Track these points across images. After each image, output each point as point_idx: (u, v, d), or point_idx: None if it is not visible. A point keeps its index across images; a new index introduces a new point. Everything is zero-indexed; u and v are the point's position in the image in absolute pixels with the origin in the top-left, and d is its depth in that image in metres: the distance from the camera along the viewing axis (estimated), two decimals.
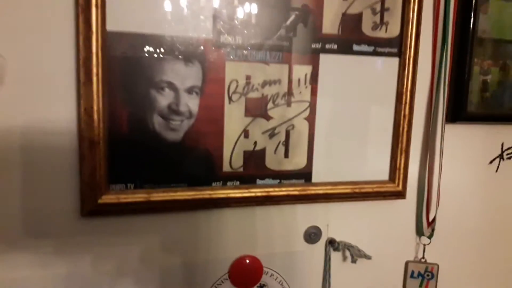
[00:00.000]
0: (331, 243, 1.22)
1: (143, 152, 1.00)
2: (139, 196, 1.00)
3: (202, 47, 1.00)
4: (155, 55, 0.97)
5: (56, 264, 1.00)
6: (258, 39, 1.04)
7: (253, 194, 1.10)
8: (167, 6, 0.97)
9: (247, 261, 1.15)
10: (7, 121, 0.91)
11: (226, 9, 1.01)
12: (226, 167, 1.08)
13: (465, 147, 1.33)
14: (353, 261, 1.23)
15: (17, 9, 0.89)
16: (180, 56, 0.99)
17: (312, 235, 1.20)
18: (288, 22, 1.06)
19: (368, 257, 1.24)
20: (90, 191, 0.96)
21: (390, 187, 1.22)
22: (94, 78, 0.92)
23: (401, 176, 1.22)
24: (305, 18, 1.08)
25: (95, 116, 0.93)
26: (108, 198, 0.98)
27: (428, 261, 1.32)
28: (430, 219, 1.30)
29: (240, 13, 1.02)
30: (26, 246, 0.97)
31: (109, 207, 0.98)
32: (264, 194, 1.11)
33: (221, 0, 1.00)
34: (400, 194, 1.24)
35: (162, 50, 0.97)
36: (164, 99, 0.99)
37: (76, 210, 0.98)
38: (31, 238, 0.97)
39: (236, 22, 1.02)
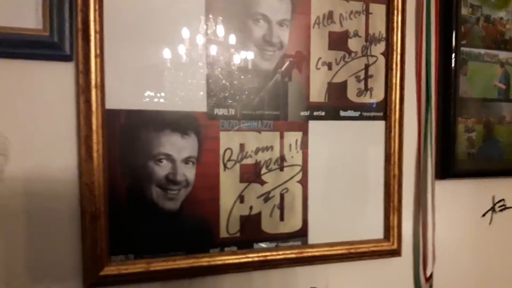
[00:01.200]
0: None
1: (142, 222, 1.04)
2: (139, 267, 1.03)
3: (197, 120, 1.06)
4: (153, 129, 1.02)
5: None
6: (249, 109, 1.10)
7: (250, 259, 1.12)
8: (163, 83, 1.03)
9: None
10: (11, 198, 0.95)
11: (219, 80, 1.07)
12: (223, 233, 1.11)
13: (456, 202, 1.36)
14: None
15: (21, 91, 0.95)
16: (176, 129, 1.04)
17: None
18: (283, 68, 1.12)
19: None
20: (92, 263, 0.99)
21: (385, 246, 1.24)
22: (95, 155, 0.97)
23: (395, 234, 1.25)
24: (299, 63, 1.14)
25: (96, 191, 0.97)
26: (109, 270, 1.00)
27: None
28: (428, 275, 1.31)
29: (231, 85, 1.08)
30: None
31: (111, 278, 1.00)
32: (261, 258, 1.13)
33: (213, 71, 1.06)
34: (396, 252, 1.26)
35: (159, 124, 1.03)
36: (162, 170, 1.04)
37: (79, 281, 1.00)
38: None
39: (232, 88, 1.08)
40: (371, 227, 1.25)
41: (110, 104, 0.99)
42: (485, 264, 1.42)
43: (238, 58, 1.08)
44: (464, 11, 1.29)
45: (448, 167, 1.30)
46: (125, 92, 1.01)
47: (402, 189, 1.24)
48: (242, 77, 1.09)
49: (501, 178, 1.41)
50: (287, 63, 1.13)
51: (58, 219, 0.98)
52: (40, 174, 0.96)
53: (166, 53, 1.03)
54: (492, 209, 1.42)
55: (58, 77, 0.97)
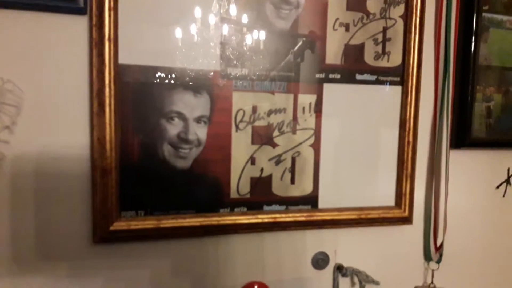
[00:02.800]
0: (339, 269, 1.23)
1: (153, 179, 1.04)
2: (149, 223, 1.03)
3: (210, 78, 1.05)
4: (166, 86, 1.01)
5: (70, 284, 1.02)
6: (264, 69, 1.08)
7: (260, 220, 1.12)
8: (177, 39, 1.01)
9: (256, 287, 1.16)
10: (23, 148, 0.95)
11: (233, 41, 1.05)
12: (233, 194, 1.11)
13: (470, 172, 1.35)
14: (362, 286, 1.23)
15: (35, 43, 0.94)
16: (189, 87, 1.03)
17: (319, 261, 1.22)
18: (296, 48, 1.10)
19: (376, 283, 1.24)
20: (102, 218, 0.99)
21: (397, 213, 1.24)
22: (107, 109, 0.96)
23: (407, 201, 1.24)
24: (312, 44, 1.12)
25: (108, 146, 0.97)
26: (119, 225, 1.01)
27: (437, 286, 1.31)
28: (438, 244, 1.30)
29: (246, 44, 1.07)
30: (39, 269, 1.00)
31: (120, 234, 1.01)
32: (271, 220, 1.13)
33: (228, 32, 1.05)
34: (407, 220, 1.25)
35: (172, 81, 1.02)
36: (173, 129, 1.03)
37: (88, 236, 1.01)
38: (44, 262, 1.00)
39: (245, 48, 1.06)
40: (382, 194, 1.24)
41: (123, 59, 0.98)
42: (496, 236, 1.41)
43: (250, 38, 1.07)
44: None
45: (464, 136, 1.28)
46: (139, 47, 1.00)
47: (416, 156, 1.23)
48: (254, 57, 1.07)
49: None
50: (300, 43, 1.11)
51: (68, 174, 0.99)
52: (52, 128, 0.96)
53: (179, 33, 1.02)
54: (507, 181, 1.39)
55: (71, 30, 0.96)
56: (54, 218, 0.99)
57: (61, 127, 0.97)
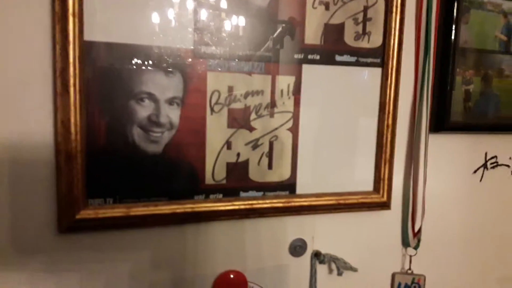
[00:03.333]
0: (317, 255, 1.20)
1: (122, 165, 0.98)
2: (118, 211, 0.97)
3: (183, 57, 0.99)
4: (134, 66, 0.95)
5: (35, 279, 0.96)
6: (240, 49, 1.03)
7: (236, 207, 1.07)
8: (145, 15, 0.95)
9: (231, 276, 1.12)
10: None
11: (207, 18, 0.99)
12: (208, 180, 1.06)
13: (449, 156, 1.33)
14: (339, 273, 1.21)
15: None
16: (160, 66, 0.97)
17: (297, 247, 1.18)
18: (275, 34, 1.05)
19: (354, 270, 1.22)
20: (68, 206, 0.93)
21: (375, 198, 1.21)
22: (71, 89, 0.89)
23: (386, 186, 1.21)
24: (292, 30, 1.07)
25: (72, 129, 0.90)
26: (86, 214, 0.95)
27: (414, 272, 1.30)
28: (416, 229, 1.29)
29: (227, 25, 1.01)
30: (1, 265, 0.93)
31: (87, 223, 0.95)
32: (247, 206, 1.08)
33: (202, 9, 0.99)
34: (385, 205, 1.22)
35: (140, 60, 0.95)
36: (144, 111, 0.97)
37: (53, 226, 0.95)
38: (7, 256, 0.93)
39: (216, 31, 1.00)
40: (361, 179, 1.21)
41: (88, 36, 0.91)
42: (473, 221, 1.40)
43: (228, 16, 1.01)
44: None
45: (443, 120, 1.26)
46: (106, 23, 0.92)
47: (395, 140, 1.20)
48: (232, 36, 1.02)
49: (495, 134, 1.37)
50: (279, 30, 1.05)
51: (30, 160, 0.92)
52: (10, 110, 0.89)
53: (151, 7, 0.95)
54: (484, 165, 1.39)
55: (32, 3, 0.88)
56: (16, 208, 0.92)
57: (21, 110, 0.89)
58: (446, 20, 1.22)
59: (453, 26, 1.22)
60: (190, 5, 0.98)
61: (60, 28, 0.88)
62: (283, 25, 1.06)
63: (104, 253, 1.00)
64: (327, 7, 1.09)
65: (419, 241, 1.29)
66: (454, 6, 1.21)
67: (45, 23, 0.89)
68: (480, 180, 1.39)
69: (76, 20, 0.88)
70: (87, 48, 0.91)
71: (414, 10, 1.21)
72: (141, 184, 1.00)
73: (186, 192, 1.04)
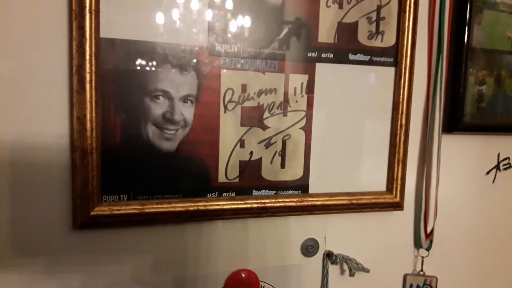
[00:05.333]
0: (329, 256, 1.19)
1: (136, 162, 0.98)
2: (132, 208, 0.97)
3: (197, 55, 0.99)
4: (150, 63, 0.95)
5: (48, 278, 0.96)
6: (254, 47, 1.03)
7: (249, 206, 1.07)
8: (163, 14, 0.95)
9: (243, 275, 1.12)
10: None
11: (222, 16, 1.00)
12: (221, 178, 1.06)
13: (461, 157, 1.32)
14: (351, 274, 1.20)
15: (8, 14, 0.87)
16: (175, 64, 0.97)
17: (309, 247, 1.18)
18: (282, 35, 1.06)
19: (366, 270, 1.22)
20: (83, 202, 0.93)
21: (388, 198, 1.20)
22: (87, 86, 0.90)
23: (399, 187, 1.21)
24: (298, 31, 1.07)
25: (88, 125, 0.91)
26: (100, 210, 0.95)
27: (426, 273, 1.30)
28: (428, 230, 1.28)
29: (233, 26, 1.01)
30: (17, 260, 0.93)
31: (102, 219, 0.95)
32: (260, 205, 1.08)
33: (218, 7, 0.99)
34: (398, 206, 1.22)
35: (156, 58, 0.96)
36: (158, 108, 0.97)
37: (68, 222, 0.95)
38: (22, 251, 0.93)
39: (231, 28, 1.01)
40: (374, 179, 1.21)
41: (105, 33, 0.92)
42: (486, 222, 1.39)
43: (242, 13, 1.01)
44: None
45: (456, 121, 1.25)
46: (122, 20, 0.93)
47: (408, 140, 1.19)
48: (246, 34, 1.02)
49: (508, 135, 1.37)
50: (292, 21, 1.06)
51: (46, 157, 0.92)
52: (29, 106, 0.90)
53: (167, 6, 0.95)
54: (497, 167, 1.38)
55: (49, 0, 0.89)
56: (31, 204, 0.92)
57: (38, 106, 0.90)
58: (459, 21, 1.22)
59: (466, 27, 1.21)
60: (205, 3, 0.98)
61: (77, 25, 0.88)
62: (290, 26, 1.06)
63: (118, 249, 1.00)
64: (340, 6, 1.09)
65: (431, 242, 1.28)
66: (467, 6, 1.21)
67: (62, 20, 0.90)
68: (493, 182, 1.38)
69: (93, 17, 0.89)
70: (103, 45, 0.92)
71: (427, 10, 1.20)
72: (155, 182, 1.00)
73: (199, 190, 1.05)
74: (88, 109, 0.91)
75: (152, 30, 0.95)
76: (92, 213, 0.94)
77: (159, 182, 1.00)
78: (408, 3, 1.14)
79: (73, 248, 0.97)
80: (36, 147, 0.91)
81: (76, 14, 0.88)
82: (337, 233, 1.20)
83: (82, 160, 0.92)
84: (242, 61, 1.03)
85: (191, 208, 1.02)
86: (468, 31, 1.22)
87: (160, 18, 0.96)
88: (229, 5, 1.00)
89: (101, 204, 0.96)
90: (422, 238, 1.29)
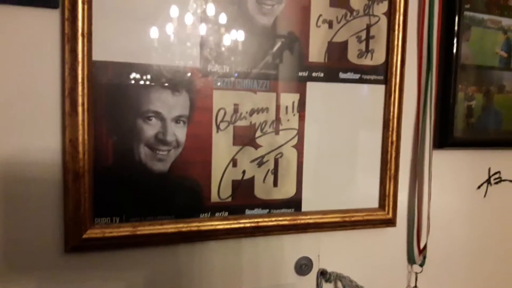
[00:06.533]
0: (323, 274, 1.19)
1: (129, 184, 0.98)
2: (124, 230, 0.97)
3: (189, 76, 0.99)
4: (142, 85, 0.96)
5: None
6: (245, 67, 1.04)
7: (242, 225, 1.07)
8: (154, 35, 0.96)
9: None
10: None
11: (213, 37, 1.01)
12: (214, 198, 1.06)
13: (452, 172, 1.33)
14: None
15: (3, 39, 0.87)
16: (167, 85, 0.98)
17: (303, 266, 1.18)
18: (275, 49, 1.07)
19: None
20: (75, 225, 0.93)
21: (380, 215, 1.21)
22: (80, 109, 0.90)
23: (391, 203, 1.21)
24: (291, 45, 1.08)
25: (80, 148, 0.91)
26: (93, 233, 0.94)
27: None
28: (421, 246, 1.28)
29: (226, 40, 1.02)
30: (7, 281, 0.92)
31: (94, 242, 0.95)
32: (253, 224, 1.08)
33: (208, 28, 1.00)
34: (390, 222, 1.22)
35: (149, 79, 0.96)
36: (151, 129, 0.97)
37: (60, 245, 0.94)
38: (12, 275, 0.92)
39: (222, 49, 1.02)
40: (366, 196, 1.21)
41: (97, 56, 0.92)
42: (478, 237, 1.40)
43: (233, 34, 1.02)
44: None
45: (447, 136, 1.26)
46: (114, 43, 0.93)
47: (399, 156, 1.20)
48: (237, 54, 1.03)
49: (498, 149, 1.38)
50: (282, 40, 1.07)
51: (38, 179, 0.91)
52: (21, 129, 0.89)
53: (158, 28, 0.96)
54: (488, 181, 1.39)
55: (42, 24, 0.89)
56: (22, 227, 0.92)
57: (31, 128, 0.90)
58: (447, 38, 1.24)
59: (455, 43, 1.23)
60: (196, 24, 0.99)
61: (69, 49, 0.89)
62: (283, 39, 1.07)
63: (110, 272, 0.99)
64: (330, 26, 1.11)
65: (424, 258, 1.28)
66: (454, 23, 1.22)
67: (55, 44, 0.90)
68: (484, 196, 1.39)
69: (85, 40, 0.89)
70: (95, 68, 0.92)
71: (416, 28, 1.22)
72: (147, 203, 1.00)
73: (192, 210, 1.04)
74: (80, 132, 0.90)
75: (144, 52, 0.96)
76: (84, 236, 0.94)
77: (152, 203, 1.00)
78: (397, 21, 1.15)
79: (65, 271, 0.96)
80: (28, 170, 0.91)
81: (68, 38, 0.89)
82: (331, 251, 1.20)
83: (74, 183, 0.91)
84: (234, 81, 1.03)
85: (183, 229, 1.02)
86: (457, 48, 1.24)
87: (152, 40, 0.96)
88: (221, 26, 1.01)
89: (93, 226, 0.95)
90: (416, 254, 1.29)
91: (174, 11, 0.97)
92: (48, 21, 0.89)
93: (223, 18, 1.01)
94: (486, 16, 1.27)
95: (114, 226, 0.97)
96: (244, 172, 1.08)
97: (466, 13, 1.24)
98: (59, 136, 0.92)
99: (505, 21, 1.30)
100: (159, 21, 0.96)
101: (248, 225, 1.08)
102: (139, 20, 0.95)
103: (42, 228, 0.93)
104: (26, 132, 0.90)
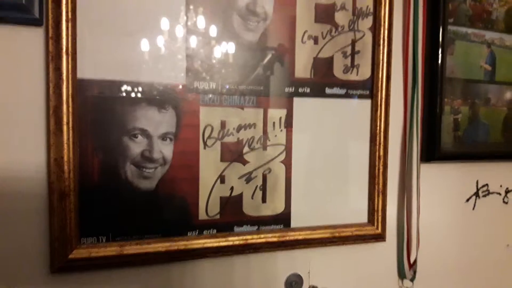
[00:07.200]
0: None
1: (115, 202, 0.96)
2: (111, 250, 0.95)
3: (175, 93, 0.99)
4: (127, 102, 0.95)
5: None
6: (232, 83, 1.04)
7: (230, 243, 1.06)
8: (139, 53, 0.96)
9: None
10: None
11: (199, 53, 1.01)
12: (202, 215, 1.05)
13: (441, 186, 1.33)
14: None
15: None
16: (153, 102, 0.97)
17: (293, 283, 1.16)
18: (261, 65, 1.07)
19: None
20: (60, 246, 0.91)
21: (370, 230, 1.20)
22: (65, 127, 0.89)
23: (380, 218, 1.21)
24: (278, 61, 1.08)
25: (66, 167, 0.90)
26: (79, 253, 0.93)
27: None
28: (411, 261, 1.28)
29: (213, 57, 1.02)
30: None
31: (80, 262, 0.93)
32: (242, 242, 1.07)
33: (194, 45, 1.00)
34: (380, 237, 1.22)
35: (134, 96, 0.96)
36: (137, 147, 0.97)
37: (46, 265, 0.93)
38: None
39: (209, 65, 1.02)
40: (355, 211, 1.21)
41: (82, 73, 0.92)
42: (468, 249, 1.40)
43: (220, 45, 1.03)
44: None
45: (434, 150, 1.27)
46: (99, 61, 0.93)
47: (387, 171, 1.20)
48: (225, 65, 1.03)
49: (485, 162, 1.39)
50: (269, 56, 1.07)
51: (23, 199, 0.90)
52: (4, 148, 0.88)
53: (145, 41, 0.96)
54: (476, 194, 1.39)
55: (26, 42, 0.89)
56: (6, 246, 0.90)
57: (15, 148, 0.89)
58: (432, 52, 1.25)
59: (439, 57, 1.24)
60: (182, 41, 0.99)
61: (53, 67, 0.88)
62: (273, 52, 1.08)
63: None
64: (315, 42, 1.11)
65: (415, 272, 1.27)
66: (439, 37, 1.24)
67: (39, 62, 0.90)
68: (473, 209, 1.40)
69: (70, 58, 0.89)
70: (80, 86, 0.92)
71: (401, 42, 1.24)
72: (134, 221, 0.98)
73: (179, 228, 1.03)
74: (65, 151, 0.90)
75: (130, 69, 0.95)
76: (70, 256, 0.92)
77: (138, 221, 0.99)
78: (382, 36, 1.16)
79: None
80: (12, 190, 0.89)
81: (53, 56, 0.88)
82: (321, 267, 1.19)
83: (60, 203, 0.90)
84: (221, 98, 1.03)
85: (171, 248, 1.00)
86: (442, 62, 1.25)
87: (137, 57, 0.96)
88: (207, 43, 1.01)
89: (80, 246, 0.94)
90: (406, 269, 1.29)
91: (159, 28, 0.97)
92: (32, 39, 0.89)
93: (209, 35, 1.01)
94: (469, 30, 1.29)
95: (101, 245, 0.96)
96: (232, 188, 1.07)
97: (450, 27, 1.26)
98: (44, 155, 0.91)
99: (489, 35, 1.32)
100: (145, 39, 0.96)
101: (237, 242, 1.07)
102: (124, 38, 0.95)
103: (27, 248, 0.92)
104: (10, 150, 0.89)
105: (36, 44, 0.89)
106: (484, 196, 1.41)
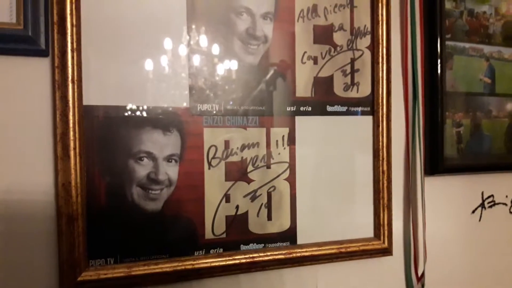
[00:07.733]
0: None
1: (122, 224, 0.98)
2: (119, 271, 0.97)
3: (179, 116, 1.02)
4: (133, 126, 0.98)
5: None
6: (235, 104, 1.06)
7: (237, 261, 1.07)
8: (143, 78, 0.99)
9: None
10: None
11: (202, 77, 1.03)
12: (208, 234, 1.06)
13: (446, 198, 1.34)
14: None
15: None
16: (158, 126, 1.00)
17: None
18: (263, 86, 1.09)
19: None
20: (69, 268, 0.93)
21: (376, 245, 1.21)
22: (72, 153, 0.92)
23: (386, 232, 1.22)
24: (278, 81, 1.11)
25: (73, 192, 0.92)
26: (87, 275, 0.95)
27: None
28: (419, 274, 1.28)
29: (215, 79, 1.05)
30: None
31: (89, 284, 0.95)
32: (248, 260, 1.08)
33: (197, 68, 1.03)
34: (387, 251, 1.22)
35: (139, 121, 0.98)
36: (143, 169, 0.99)
37: None
38: None
39: (211, 88, 1.04)
40: (361, 225, 1.22)
41: (87, 100, 0.95)
42: (475, 261, 1.40)
43: (222, 68, 1.06)
44: (448, 4, 1.28)
45: (437, 163, 1.28)
46: (104, 87, 0.96)
47: (391, 185, 1.21)
48: (227, 87, 1.06)
49: (489, 173, 1.39)
50: (271, 72, 1.10)
51: (32, 222, 0.92)
52: (14, 174, 0.91)
53: (148, 65, 0.99)
54: (482, 205, 1.40)
55: (33, 73, 0.92)
56: (15, 269, 0.92)
57: (23, 174, 0.91)
58: (431, 67, 1.27)
59: (439, 72, 1.26)
60: (185, 65, 1.02)
61: (60, 95, 0.91)
62: (275, 68, 1.10)
63: None
64: (315, 62, 1.14)
65: (423, 286, 1.28)
66: (437, 53, 1.26)
67: (46, 90, 0.93)
68: (479, 220, 1.40)
69: (75, 86, 0.92)
70: (86, 112, 0.94)
71: (399, 59, 1.25)
72: (141, 243, 1.00)
73: (186, 248, 1.05)
74: (73, 176, 0.92)
75: (133, 95, 0.98)
76: (79, 279, 0.94)
77: (145, 243, 1.01)
78: (380, 54, 1.18)
79: None
80: (21, 214, 0.92)
81: (59, 85, 0.91)
82: (328, 282, 1.20)
83: (68, 226, 0.92)
84: (224, 119, 1.06)
85: (178, 268, 1.02)
86: (441, 76, 1.27)
87: (140, 82, 0.99)
88: (209, 66, 1.04)
89: (88, 269, 0.95)
90: (414, 282, 1.29)
91: (162, 53, 1.00)
92: (39, 69, 0.92)
93: (211, 58, 1.04)
94: (467, 45, 1.31)
95: (109, 267, 0.97)
96: (237, 207, 1.09)
97: (448, 42, 1.27)
98: (52, 180, 0.93)
99: (487, 48, 1.34)
100: (148, 64, 0.99)
101: (243, 260, 1.08)
102: (128, 64, 0.98)
103: (36, 270, 0.94)
104: (21, 176, 0.91)
105: (42, 73, 0.93)
106: (490, 207, 1.41)
